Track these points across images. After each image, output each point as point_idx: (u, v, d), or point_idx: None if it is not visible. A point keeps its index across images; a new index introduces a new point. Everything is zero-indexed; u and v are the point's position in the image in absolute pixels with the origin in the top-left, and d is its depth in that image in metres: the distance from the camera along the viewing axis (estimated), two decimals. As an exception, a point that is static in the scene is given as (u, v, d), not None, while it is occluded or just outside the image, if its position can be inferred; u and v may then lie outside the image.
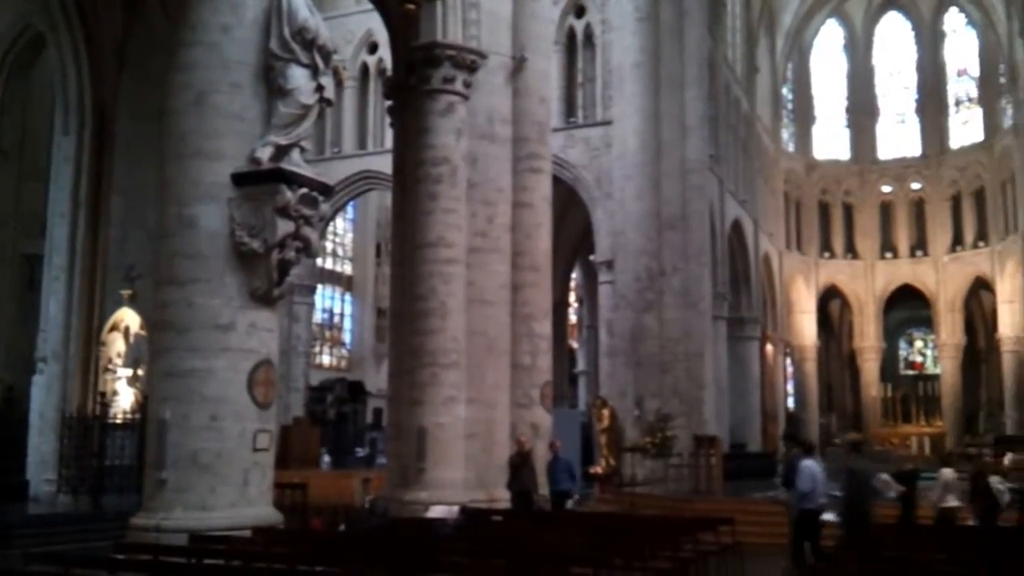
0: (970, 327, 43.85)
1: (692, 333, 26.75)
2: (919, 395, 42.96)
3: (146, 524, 10.60)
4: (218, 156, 11.04)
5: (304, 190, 11.03)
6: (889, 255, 44.52)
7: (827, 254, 44.64)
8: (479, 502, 14.67)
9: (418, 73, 16.54)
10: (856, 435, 16.75)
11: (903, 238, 44.47)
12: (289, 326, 29.58)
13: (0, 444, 19.91)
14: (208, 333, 10.88)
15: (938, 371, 44.39)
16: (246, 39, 11.24)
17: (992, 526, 12.65)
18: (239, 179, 10.98)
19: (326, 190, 11.64)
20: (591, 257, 29.87)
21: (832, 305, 46.73)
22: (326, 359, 40.61)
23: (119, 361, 20.66)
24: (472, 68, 16.54)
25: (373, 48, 31.38)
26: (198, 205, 11.02)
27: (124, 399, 20.36)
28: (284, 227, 10.89)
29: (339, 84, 27.63)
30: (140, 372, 20.05)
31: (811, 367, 43.71)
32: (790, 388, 43.15)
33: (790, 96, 45.99)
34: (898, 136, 45.99)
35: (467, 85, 16.52)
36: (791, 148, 45.04)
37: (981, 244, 42.02)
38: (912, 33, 46.38)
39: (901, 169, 45.06)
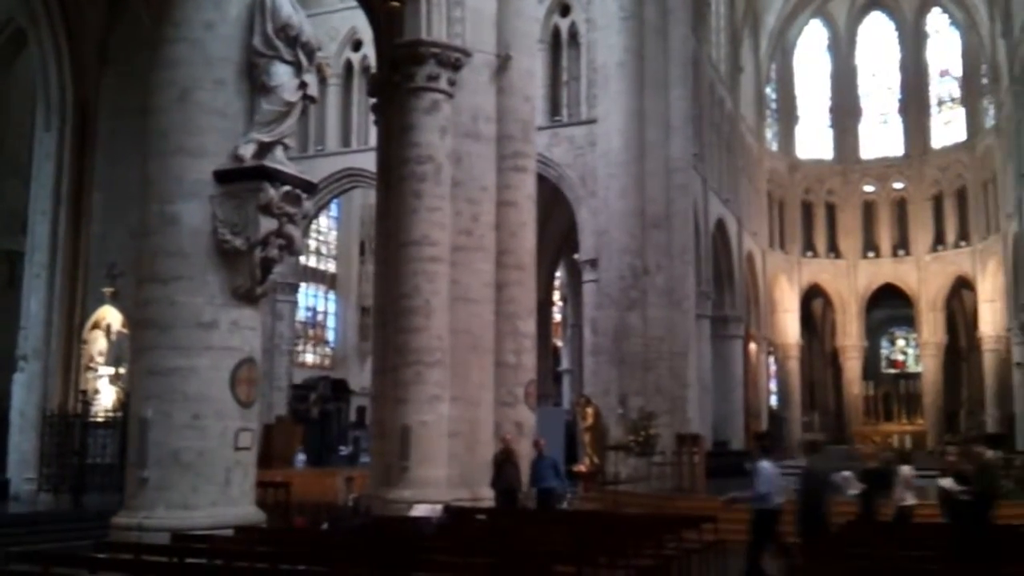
0: (951, 326, 44.14)
1: (676, 331, 26.83)
2: (901, 393, 43.24)
3: (128, 523, 10.54)
4: (201, 153, 10.98)
5: (287, 188, 10.99)
6: (871, 254, 44.76)
7: (810, 253, 44.85)
8: (463, 500, 14.65)
9: (402, 71, 16.50)
10: (812, 435, 16.89)
11: (885, 237, 44.71)
12: (272, 324, 29.49)
13: (-20, 443, 19.82)
14: (190, 331, 10.83)
15: (920, 370, 44.70)
16: (229, 36, 11.18)
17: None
18: (222, 176, 10.92)
19: (309, 188, 11.60)
20: (575, 255, 29.91)
21: (815, 304, 46.96)
22: (309, 357, 40.51)
23: (101, 359, 20.54)
24: (456, 66, 16.52)
25: (357, 45, 31.29)
26: (180, 202, 10.96)
27: (106, 397, 20.24)
28: (267, 225, 10.85)
29: (323, 81, 27.53)
30: (122, 370, 19.92)
31: (794, 365, 43.93)
32: (773, 386, 43.35)
33: (774, 96, 46.17)
34: (881, 136, 46.23)
35: (451, 83, 16.49)
36: (774, 147, 45.23)
37: (963, 244, 42.32)
38: (895, 33, 46.62)
39: (883, 169, 45.30)
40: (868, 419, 42.87)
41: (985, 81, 41.57)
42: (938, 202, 43.61)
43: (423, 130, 16.20)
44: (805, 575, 9.18)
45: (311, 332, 41.11)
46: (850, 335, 44.83)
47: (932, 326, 43.22)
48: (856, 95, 47.17)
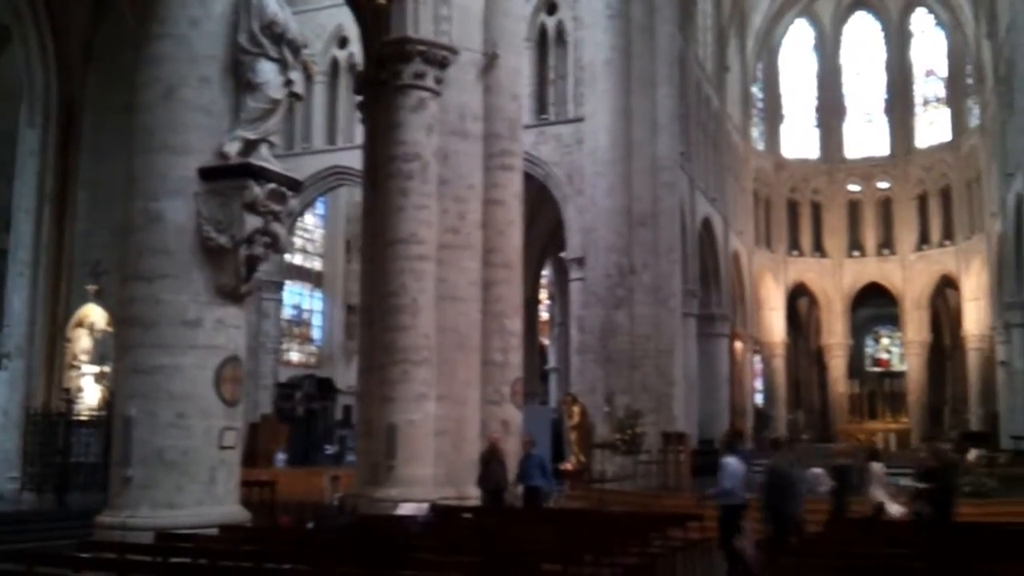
0: (936, 325, 44.38)
1: (662, 330, 26.86)
2: (885, 392, 43.44)
3: (112, 522, 10.48)
4: (186, 150, 10.92)
5: (272, 185, 10.94)
6: (856, 253, 44.97)
7: (796, 252, 45.03)
8: (449, 499, 14.64)
9: (389, 68, 16.47)
10: (778, 434, 17.01)
11: (870, 236, 44.93)
12: (257, 322, 29.39)
13: (-37, 441, 19.68)
14: (175, 329, 10.76)
15: (904, 368, 44.93)
16: (215, 33, 11.12)
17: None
18: (207, 174, 10.86)
19: (295, 185, 11.55)
20: (562, 254, 29.91)
21: (800, 302, 47.15)
22: (295, 356, 40.38)
23: (85, 357, 20.41)
24: (443, 64, 16.50)
25: (343, 43, 31.19)
26: (165, 200, 10.89)
27: (90, 396, 20.11)
28: (252, 222, 10.79)
29: (309, 79, 27.41)
30: (106, 369, 19.81)
31: (779, 363, 44.10)
32: (759, 384, 43.48)
33: (760, 95, 46.32)
34: (866, 135, 46.44)
35: (438, 81, 16.47)
36: (761, 147, 45.36)
37: (947, 243, 42.55)
38: (881, 33, 46.83)
39: (869, 168, 45.51)
40: (853, 417, 43.04)
41: (970, 81, 41.77)
42: (923, 201, 43.84)
43: (409, 128, 16.17)
44: (775, 573, 9.20)
45: (296, 330, 40.98)
46: (835, 333, 45.03)
47: (917, 325, 43.45)
48: (841, 95, 47.39)
